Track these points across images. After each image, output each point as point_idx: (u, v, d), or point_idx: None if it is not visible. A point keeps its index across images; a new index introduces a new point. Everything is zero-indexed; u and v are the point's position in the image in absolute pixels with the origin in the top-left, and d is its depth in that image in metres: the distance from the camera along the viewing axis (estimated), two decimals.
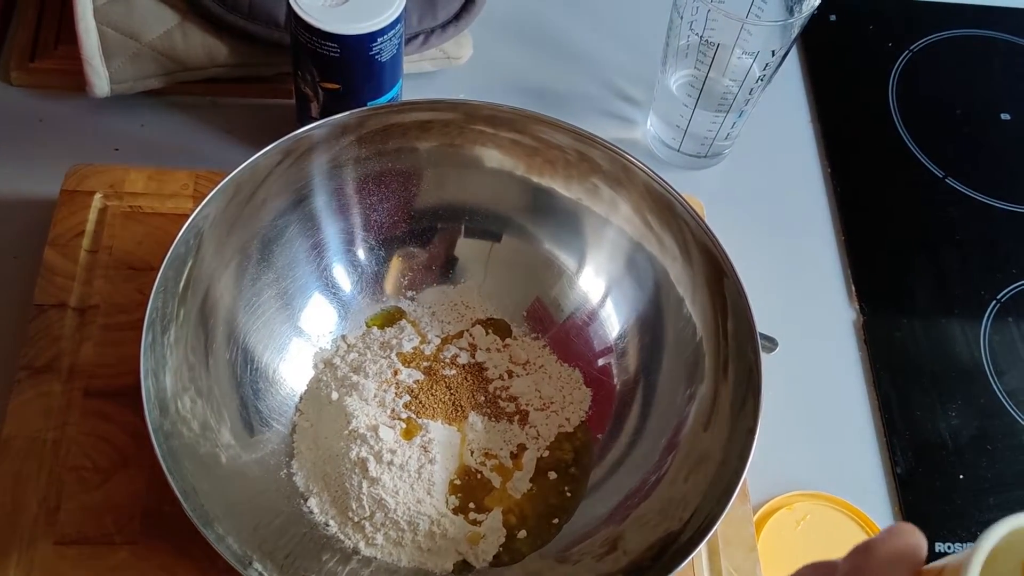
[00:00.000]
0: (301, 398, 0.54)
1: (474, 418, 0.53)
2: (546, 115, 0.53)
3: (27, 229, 0.58)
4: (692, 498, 0.47)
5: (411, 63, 0.66)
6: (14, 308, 0.55)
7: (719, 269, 0.50)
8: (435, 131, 0.55)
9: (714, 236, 0.51)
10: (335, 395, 0.53)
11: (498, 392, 0.55)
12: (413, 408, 0.53)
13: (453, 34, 0.66)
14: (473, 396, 0.54)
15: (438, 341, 0.56)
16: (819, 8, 0.58)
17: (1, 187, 0.60)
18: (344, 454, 0.50)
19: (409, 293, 0.58)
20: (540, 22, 0.74)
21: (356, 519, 0.49)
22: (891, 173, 0.72)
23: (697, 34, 0.60)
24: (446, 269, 0.58)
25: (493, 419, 0.54)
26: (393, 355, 0.54)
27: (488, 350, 0.56)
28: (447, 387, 0.54)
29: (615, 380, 0.55)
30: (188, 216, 0.47)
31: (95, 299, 0.54)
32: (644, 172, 0.52)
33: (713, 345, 0.51)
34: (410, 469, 0.50)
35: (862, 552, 0.30)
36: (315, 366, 0.55)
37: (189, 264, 0.48)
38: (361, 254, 0.57)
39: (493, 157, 0.55)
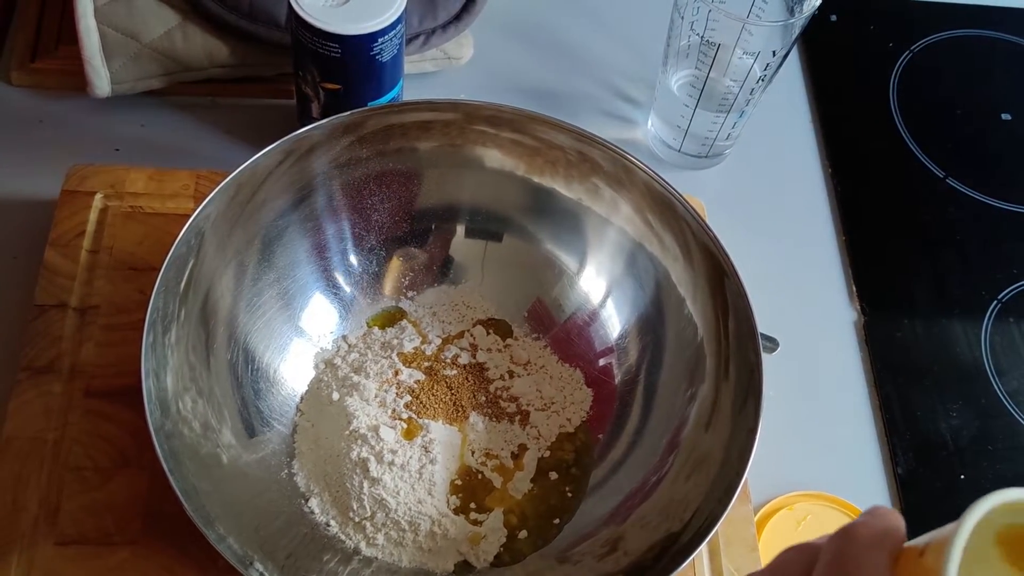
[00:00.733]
0: (302, 398, 0.54)
1: (475, 418, 0.53)
2: (547, 115, 0.53)
3: (28, 229, 0.58)
4: (693, 498, 0.47)
5: (412, 63, 0.66)
6: (15, 308, 0.55)
7: (720, 269, 0.50)
8: (436, 131, 0.55)
9: (715, 236, 0.51)
10: (336, 395, 0.53)
11: (499, 392, 0.55)
12: (414, 408, 0.53)
13: (454, 34, 0.66)
14: (474, 396, 0.54)
15: (439, 341, 0.56)
16: (820, 8, 0.58)
17: (2, 187, 0.60)
18: (345, 454, 0.50)
19: (410, 293, 0.58)
20: (541, 22, 0.74)
21: (357, 519, 0.49)
22: (892, 173, 0.72)
23: (698, 34, 0.60)
24: (447, 269, 0.58)
25: (494, 419, 0.54)
26: (394, 355, 0.54)
27: (489, 350, 0.56)
28: (448, 387, 0.54)
29: (616, 380, 0.55)
30: (189, 216, 0.47)
31: (96, 299, 0.54)
32: (645, 172, 0.52)
33: (714, 345, 0.51)
34: (411, 469, 0.50)
35: (843, 535, 0.30)
36: (316, 366, 0.55)
37: (190, 264, 0.48)
38: (362, 254, 0.57)
39: (494, 157, 0.55)
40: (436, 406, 0.53)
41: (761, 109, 0.65)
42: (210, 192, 0.48)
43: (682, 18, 0.60)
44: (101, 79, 0.60)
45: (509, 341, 0.57)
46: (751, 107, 0.64)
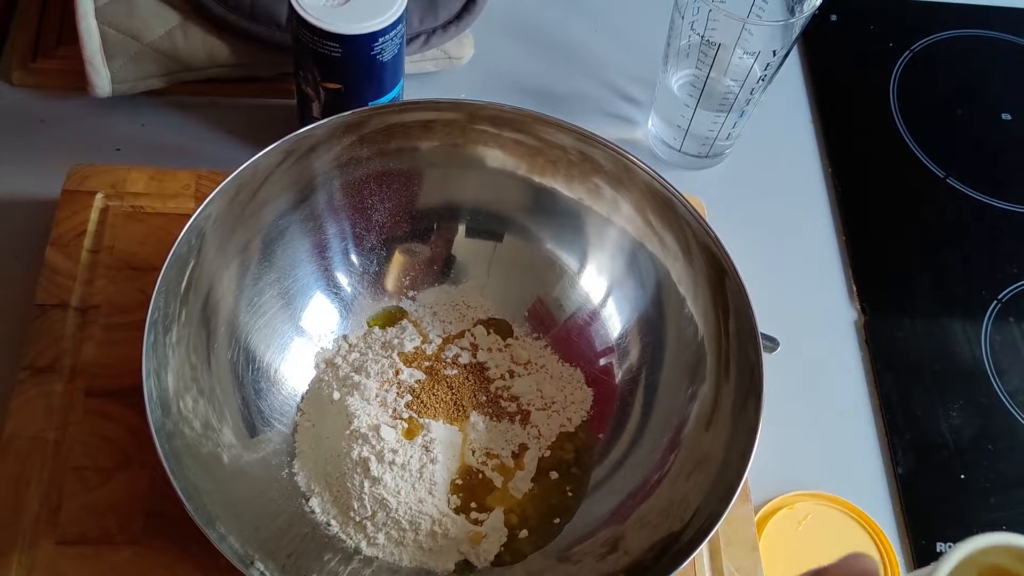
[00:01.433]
0: (303, 398, 0.54)
1: (476, 418, 0.53)
2: (548, 115, 0.53)
3: (29, 229, 0.58)
4: (694, 498, 0.47)
5: (412, 63, 0.66)
6: (16, 308, 0.55)
7: (720, 269, 0.50)
8: (437, 131, 0.55)
9: (715, 236, 0.51)
10: (337, 395, 0.53)
11: (499, 392, 0.55)
12: (415, 408, 0.53)
13: (454, 34, 0.66)
14: (475, 396, 0.54)
15: (439, 341, 0.56)
16: (820, 8, 0.58)
17: (3, 187, 0.60)
18: (346, 454, 0.50)
19: (411, 293, 0.58)
20: (541, 22, 0.74)
21: (358, 519, 0.49)
22: (892, 173, 0.72)
23: (698, 34, 0.60)
24: (447, 269, 0.58)
25: (495, 419, 0.54)
26: (395, 355, 0.54)
27: (489, 350, 0.56)
28: (448, 387, 0.54)
29: (616, 380, 0.55)
30: (190, 216, 0.47)
31: (97, 299, 0.54)
32: (646, 172, 0.53)
33: (715, 345, 0.51)
34: (412, 469, 0.50)
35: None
36: (317, 366, 0.55)
37: (191, 264, 0.48)
38: (363, 254, 0.57)
39: (495, 157, 0.55)
40: (437, 406, 0.53)
41: (761, 109, 0.65)
42: (211, 192, 0.48)
43: (682, 18, 0.60)
44: (102, 79, 0.61)
45: (510, 341, 0.57)
46: (751, 107, 0.64)
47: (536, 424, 0.54)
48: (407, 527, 0.49)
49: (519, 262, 0.57)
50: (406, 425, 0.52)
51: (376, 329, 0.56)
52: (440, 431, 0.52)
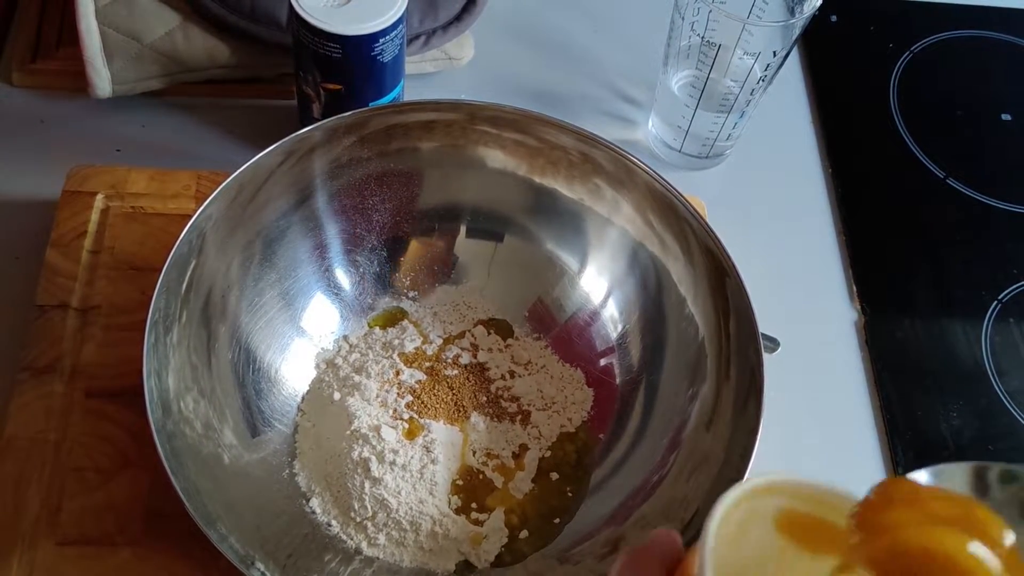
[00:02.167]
0: (303, 398, 0.54)
1: (476, 418, 0.53)
2: (549, 116, 0.53)
3: (29, 230, 0.58)
4: (694, 498, 0.47)
5: (413, 64, 0.66)
6: (16, 309, 0.55)
7: (721, 269, 0.50)
8: (438, 131, 0.55)
9: (716, 236, 0.51)
10: (337, 395, 0.53)
11: (500, 392, 0.55)
12: (415, 408, 0.53)
13: (454, 35, 0.66)
14: (475, 396, 0.54)
15: (440, 341, 0.56)
16: (820, 9, 0.58)
17: (3, 188, 0.60)
18: (346, 454, 0.50)
19: (411, 293, 0.58)
20: (541, 23, 0.74)
21: (358, 519, 0.49)
22: (892, 173, 0.72)
23: (698, 35, 0.60)
24: (448, 269, 0.58)
25: (495, 419, 0.54)
26: (395, 355, 0.54)
27: (490, 350, 0.56)
28: (449, 387, 0.54)
29: (617, 380, 0.55)
30: (190, 217, 0.47)
31: (97, 300, 0.54)
32: (646, 173, 0.53)
33: (715, 345, 0.51)
34: (412, 469, 0.50)
35: (626, 557, 0.33)
36: (317, 366, 0.55)
37: (191, 265, 0.48)
38: (363, 254, 0.57)
39: (496, 158, 0.56)
40: (437, 406, 0.53)
41: (761, 109, 0.65)
42: (211, 193, 0.48)
43: (682, 18, 0.60)
44: (102, 80, 0.61)
45: (510, 341, 0.57)
46: (751, 107, 0.64)
47: (536, 424, 0.54)
48: (408, 528, 0.49)
49: (520, 262, 0.57)
50: (407, 426, 0.52)
51: (376, 330, 0.56)
52: (441, 432, 0.52)
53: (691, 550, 0.31)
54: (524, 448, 0.53)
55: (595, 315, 0.57)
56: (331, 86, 0.57)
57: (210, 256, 0.50)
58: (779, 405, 0.52)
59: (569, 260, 0.57)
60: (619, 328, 0.56)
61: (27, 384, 0.51)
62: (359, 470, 0.50)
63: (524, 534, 0.51)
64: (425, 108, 0.54)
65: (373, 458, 0.50)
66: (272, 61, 0.64)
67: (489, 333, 0.57)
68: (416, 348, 0.55)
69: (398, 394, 0.53)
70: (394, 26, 0.55)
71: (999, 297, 0.66)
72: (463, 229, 0.58)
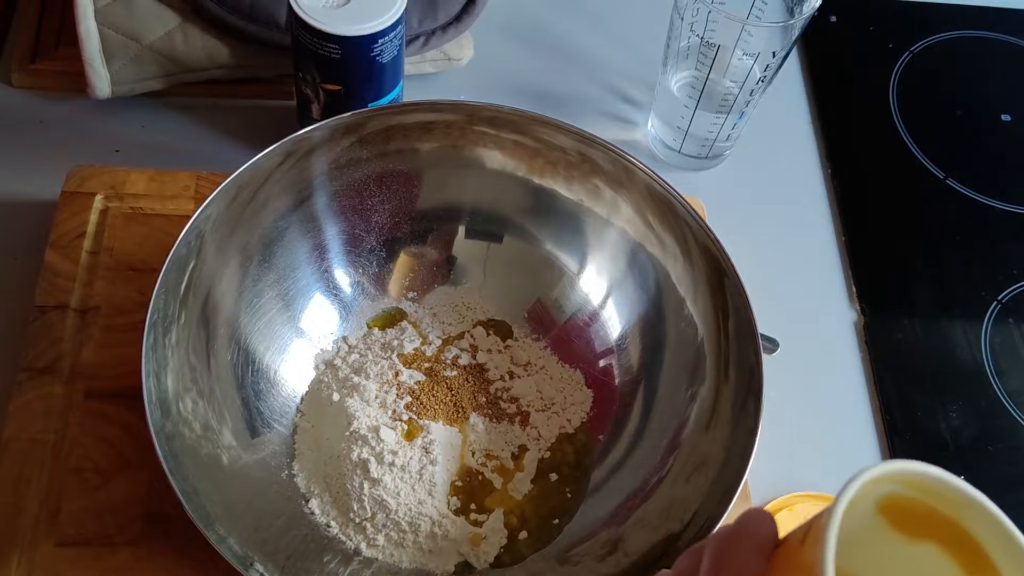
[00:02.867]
0: (302, 399, 0.54)
1: (475, 419, 0.53)
2: (548, 116, 0.53)
3: (28, 230, 0.58)
4: (693, 499, 0.47)
5: (412, 64, 0.66)
6: (15, 310, 0.55)
7: (720, 270, 0.50)
8: (437, 132, 0.55)
9: (715, 237, 0.51)
10: (336, 396, 0.53)
11: (499, 393, 0.55)
12: (414, 409, 0.53)
13: (454, 35, 0.66)
14: (474, 397, 0.54)
15: (439, 342, 0.56)
16: (819, 9, 0.58)
17: (2, 188, 0.60)
18: (345, 455, 0.50)
19: (410, 294, 0.58)
20: (541, 23, 0.74)
21: (357, 520, 0.49)
22: (892, 174, 0.72)
23: (698, 35, 0.60)
24: (447, 270, 0.58)
25: (494, 420, 0.54)
26: (394, 356, 0.54)
27: (489, 351, 0.56)
28: (448, 388, 0.54)
29: (616, 381, 0.55)
30: (190, 217, 0.47)
31: (96, 300, 0.54)
32: (645, 173, 0.53)
33: (714, 346, 0.51)
34: (411, 470, 0.50)
35: (718, 538, 0.32)
36: (316, 367, 0.55)
37: (191, 265, 0.48)
38: (362, 255, 0.57)
39: (495, 158, 0.55)
40: (436, 407, 0.53)
41: (761, 110, 0.65)
42: (211, 193, 0.48)
43: (682, 19, 0.60)
44: (101, 80, 0.61)
45: (509, 342, 0.57)
46: (751, 108, 0.64)
47: (536, 425, 0.54)
48: (407, 528, 0.49)
49: (519, 263, 0.57)
50: (406, 427, 0.52)
51: (376, 330, 0.56)
52: (440, 432, 0.52)
53: (792, 535, 0.30)
54: (523, 449, 0.53)
55: (594, 316, 0.57)
56: (330, 87, 0.57)
57: (209, 257, 0.50)
58: (779, 405, 0.53)
59: (568, 261, 0.57)
60: (618, 329, 0.56)
61: (26, 385, 0.51)
62: (358, 471, 0.50)
63: (523, 535, 0.51)
64: (424, 109, 0.54)
65: (372, 459, 0.50)
66: (271, 61, 0.64)
67: (488, 334, 0.57)
68: (415, 349, 0.55)
69: (397, 395, 0.53)
70: (393, 27, 0.55)
71: (999, 297, 0.66)
72: (462, 230, 0.58)
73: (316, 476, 0.51)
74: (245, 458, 0.49)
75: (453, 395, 0.54)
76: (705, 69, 0.61)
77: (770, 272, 0.64)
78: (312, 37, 0.54)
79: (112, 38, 0.60)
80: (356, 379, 0.53)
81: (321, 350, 0.55)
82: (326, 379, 0.54)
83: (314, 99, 0.59)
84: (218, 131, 0.65)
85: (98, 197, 0.57)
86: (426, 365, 0.55)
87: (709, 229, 0.51)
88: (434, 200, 0.57)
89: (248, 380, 0.51)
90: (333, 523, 0.49)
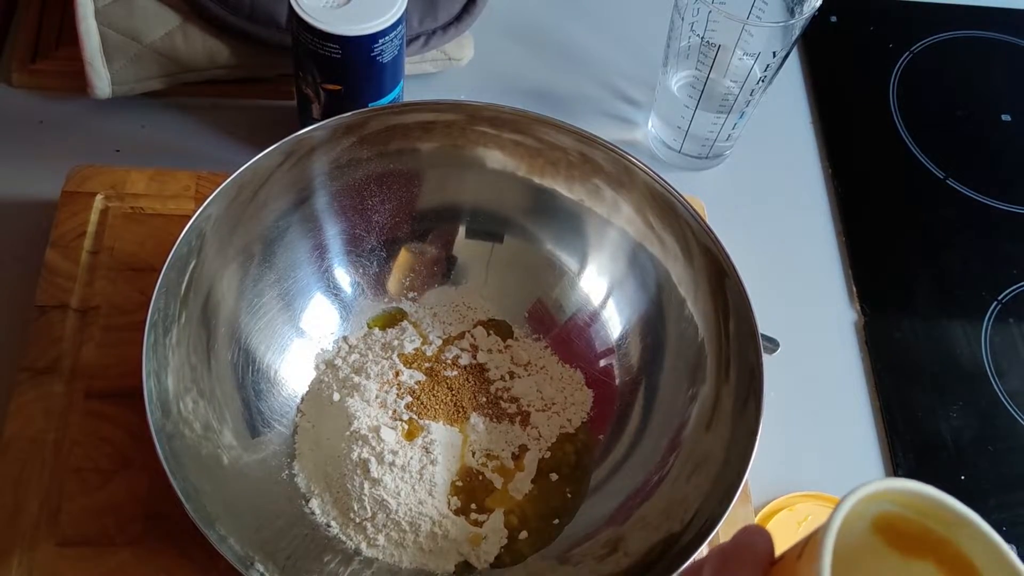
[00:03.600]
0: (303, 399, 0.54)
1: (476, 419, 0.53)
2: (548, 116, 0.53)
3: (28, 230, 0.58)
4: (694, 499, 0.47)
5: (412, 64, 0.66)
6: (15, 309, 0.55)
7: (720, 270, 0.50)
8: (437, 132, 0.55)
9: (715, 237, 0.51)
10: (337, 396, 0.53)
11: (499, 393, 0.55)
12: (415, 409, 0.53)
13: (454, 35, 0.66)
14: (475, 397, 0.54)
15: (439, 342, 0.56)
16: (820, 9, 0.58)
17: (2, 188, 0.60)
18: (346, 455, 0.50)
19: (411, 294, 0.58)
20: (541, 23, 0.74)
21: (358, 520, 0.49)
22: (892, 174, 0.72)
23: (698, 35, 0.60)
24: (447, 270, 0.58)
25: (495, 420, 0.54)
26: (394, 356, 0.54)
27: (489, 351, 0.56)
28: (448, 388, 0.54)
29: (617, 381, 0.55)
30: (190, 217, 0.47)
31: (96, 300, 0.54)
32: (646, 173, 0.53)
33: (715, 346, 0.51)
34: (412, 470, 0.50)
35: (716, 555, 0.32)
36: (316, 367, 0.55)
37: (191, 265, 0.48)
38: (363, 255, 0.57)
39: (495, 158, 0.55)
40: (437, 407, 0.53)
41: (761, 110, 0.65)
42: (211, 193, 0.48)
43: (682, 19, 0.60)
44: (102, 80, 0.61)
45: (510, 342, 0.57)
46: (751, 108, 0.64)
47: (536, 425, 0.54)
48: (407, 528, 0.49)
49: (519, 263, 0.57)
50: (406, 426, 0.52)
51: (376, 330, 0.56)
52: (440, 432, 0.52)
53: (788, 551, 0.31)
54: (524, 449, 0.53)
55: (595, 316, 0.57)
56: (330, 87, 0.57)
57: (209, 257, 0.50)
58: (779, 405, 0.53)
59: (569, 261, 0.57)
60: (619, 329, 0.56)
61: (26, 384, 0.51)
62: (358, 471, 0.50)
63: (524, 535, 0.51)
64: (424, 109, 0.54)
65: (372, 459, 0.50)
66: (272, 62, 0.64)
67: (489, 334, 0.57)
68: (416, 349, 0.55)
69: (397, 395, 0.53)
70: (394, 27, 0.55)
71: (999, 297, 0.66)
72: (462, 230, 0.58)
73: (316, 476, 0.51)
74: (245, 458, 0.49)
75: (453, 395, 0.54)
76: (705, 69, 0.61)
77: (770, 272, 0.64)
78: (312, 37, 0.54)
79: (112, 38, 0.60)
80: (356, 379, 0.53)
81: (321, 350, 0.55)
82: (326, 379, 0.54)
83: (314, 99, 0.59)
84: (218, 131, 0.65)
85: (98, 197, 0.57)
86: (426, 365, 0.55)
87: (709, 229, 0.51)
88: (434, 200, 0.57)
89: (248, 380, 0.51)
90: (333, 523, 0.49)
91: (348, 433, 0.51)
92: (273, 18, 0.62)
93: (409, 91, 0.63)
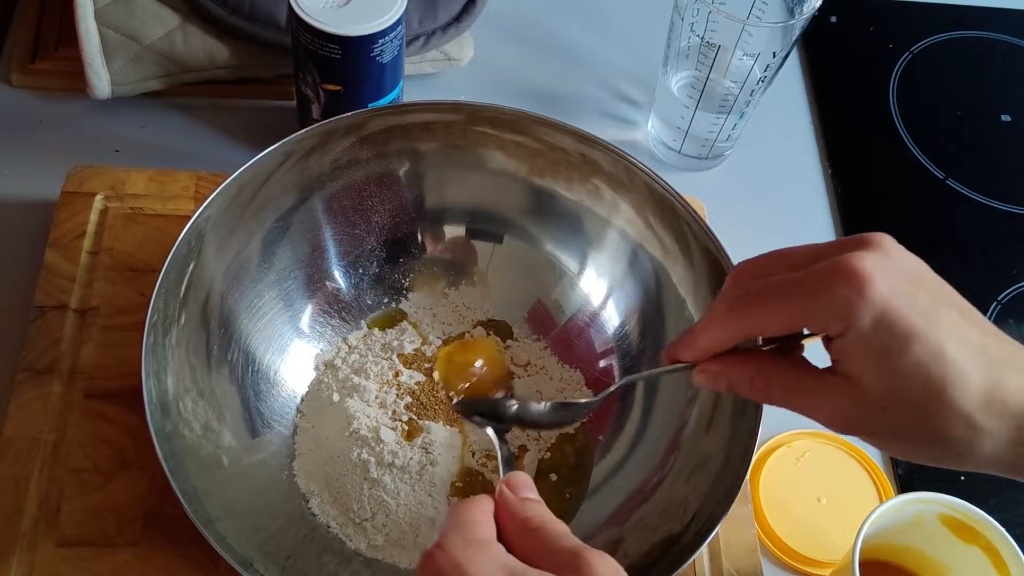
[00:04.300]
0: (302, 400, 0.54)
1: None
2: (548, 117, 0.53)
3: (28, 230, 0.58)
4: (693, 500, 0.47)
5: (412, 64, 0.66)
6: (15, 310, 0.55)
7: (720, 270, 0.50)
8: (437, 132, 0.55)
9: (715, 237, 0.51)
10: (336, 397, 0.53)
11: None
12: (414, 410, 0.53)
13: (454, 35, 0.66)
14: None
15: (439, 343, 0.56)
16: (820, 9, 0.58)
17: (2, 188, 0.60)
18: (345, 455, 0.50)
19: (410, 295, 0.58)
20: (541, 24, 0.74)
21: (357, 520, 0.49)
22: (892, 175, 0.72)
23: (698, 36, 0.60)
24: (447, 270, 0.58)
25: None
26: (394, 356, 0.54)
27: None
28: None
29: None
30: (189, 217, 0.47)
31: (96, 301, 0.54)
32: (645, 173, 0.53)
33: None
34: (411, 471, 0.50)
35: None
36: (316, 368, 0.55)
37: (191, 266, 0.48)
38: (362, 256, 0.56)
39: (495, 159, 0.55)
40: (436, 407, 0.53)
41: (761, 110, 0.65)
42: (211, 193, 0.48)
43: (682, 19, 0.60)
44: (101, 80, 0.60)
45: (509, 342, 0.57)
46: (751, 108, 0.64)
47: None
48: (407, 529, 0.49)
49: (519, 264, 0.57)
50: (406, 427, 0.52)
51: (376, 331, 0.56)
52: (440, 433, 0.52)
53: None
54: (523, 449, 0.53)
55: (594, 316, 0.56)
56: (330, 87, 0.57)
57: (209, 257, 0.49)
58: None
59: (569, 261, 0.57)
60: (619, 329, 0.56)
61: (26, 385, 0.51)
62: (358, 471, 0.50)
63: None
64: (424, 109, 0.54)
65: (372, 459, 0.50)
66: (271, 62, 0.64)
67: (488, 334, 0.57)
68: (415, 349, 0.55)
69: (397, 395, 0.53)
70: (393, 27, 0.55)
71: (999, 298, 0.66)
72: (462, 230, 0.58)
73: (316, 476, 0.51)
74: (245, 458, 0.49)
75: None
76: (705, 69, 0.61)
77: None
78: (312, 37, 0.54)
79: (112, 38, 0.60)
80: (356, 379, 0.53)
81: (321, 350, 0.55)
82: (326, 379, 0.54)
83: (314, 99, 0.59)
84: (218, 131, 0.65)
85: (98, 197, 0.57)
86: (426, 365, 0.55)
87: (709, 229, 0.51)
88: (434, 200, 0.57)
89: (248, 380, 0.51)
90: (333, 523, 0.49)
91: (348, 434, 0.51)
92: (273, 18, 0.62)
93: (409, 91, 0.63)
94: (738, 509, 0.51)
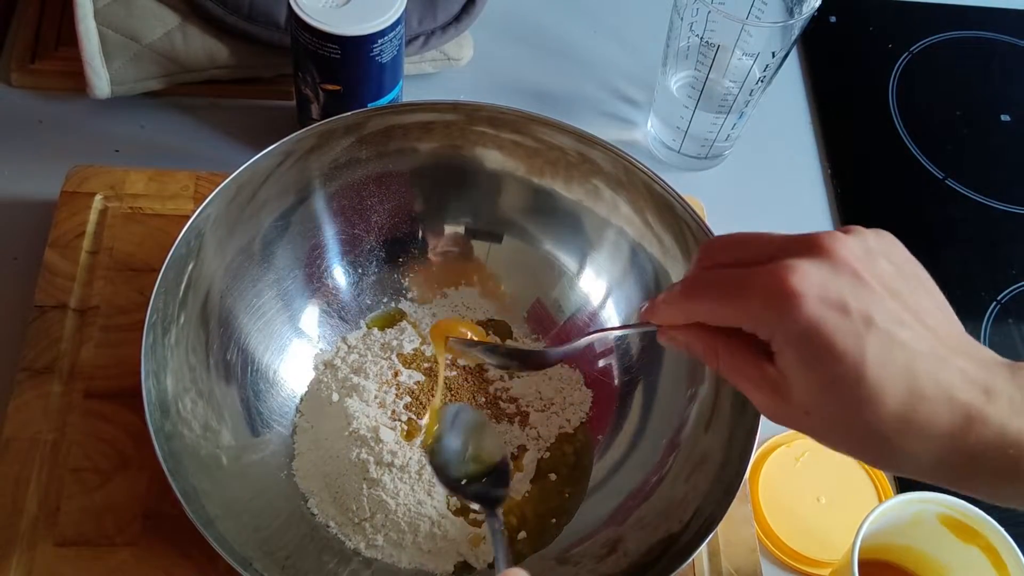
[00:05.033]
0: (302, 399, 0.54)
1: None
2: (547, 116, 0.53)
3: (27, 230, 0.58)
4: (693, 499, 0.47)
5: (411, 64, 0.66)
6: (14, 309, 0.55)
7: None
8: (436, 132, 0.55)
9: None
10: (336, 396, 0.53)
11: (498, 393, 0.55)
12: (414, 409, 0.53)
13: (453, 35, 0.66)
14: (474, 397, 0.54)
15: None
16: (819, 9, 0.58)
17: (1, 188, 0.60)
18: (344, 455, 0.50)
19: (410, 294, 0.58)
20: (540, 24, 0.74)
21: (357, 520, 0.49)
22: (891, 174, 0.72)
23: (697, 35, 0.60)
24: (447, 270, 0.58)
25: (494, 420, 0.54)
26: (393, 356, 0.54)
27: None
28: (448, 388, 0.54)
29: (615, 381, 0.55)
30: (189, 217, 0.47)
31: (95, 300, 0.54)
32: (645, 173, 0.53)
33: None
34: (411, 470, 0.50)
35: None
36: (315, 367, 0.55)
37: (190, 265, 0.48)
38: (362, 256, 0.57)
39: (494, 158, 0.55)
40: None
41: (761, 110, 0.65)
42: (210, 193, 0.48)
43: (681, 19, 0.60)
44: (101, 80, 0.61)
45: (509, 342, 0.57)
46: (751, 108, 0.64)
47: (535, 425, 0.54)
48: (406, 529, 0.49)
49: (518, 263, 0.57)
50: (405, 427, 0.52)
51: (375, 330, 0.56)
52: None
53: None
54: (523, 449, 0.53)
55: (594, 316, 0.56)
56: (330, 87, 0.57)
57: (208, 257, 0.50)
58: None
59: (568, 261, 0.57)
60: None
61: (25, 384, 0.51)
62: (357, 471, 0.50)
63: (522, 535, 0.51)
64: (424, 109, 0.54)
65: (371, 459, 0.50)
66: (271, 62, 0.64)
67: (488, 334, 0.57)
68: (415, 349, 0.55)
69: (396, 395, 0.53)
70: (393, 27, 0.55)
71: (998, 298, 0.66)
72: (462, 230, 0.58)
73: (315, 476, 0.51)
74: (245, 458, 0.49)
75: (452, 395, 0.54)
76: (705, 69, 0.61)
77: None
78: (312, 37, 0.54)
79: (112, 38, 0.60)
80: (355, 379, 0.53)
81: (320, 350, 0.55)
82: (325, 379, 0.54)
83: (314, 99, 0.59)
84: (218, 131, 0.65)
85: (97, 197, 0.57)
86: (425, 365, 0.55)
87: (709, 229, 0.51)
88: (433, 200, 0.57)
89: (247, 380, 0.51)
90: (332, 523, 0.49)
91: (347, 433, 0.51)
92: (272, 18, 0.62)
93: (408, 91, 0.63)
94: (737, 508, 0.51)
